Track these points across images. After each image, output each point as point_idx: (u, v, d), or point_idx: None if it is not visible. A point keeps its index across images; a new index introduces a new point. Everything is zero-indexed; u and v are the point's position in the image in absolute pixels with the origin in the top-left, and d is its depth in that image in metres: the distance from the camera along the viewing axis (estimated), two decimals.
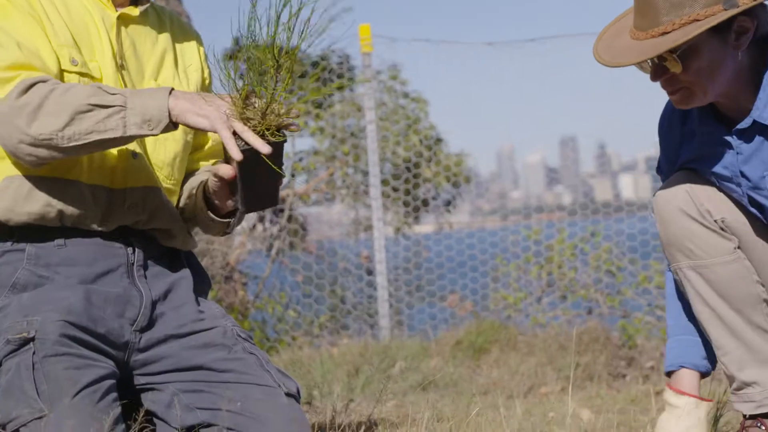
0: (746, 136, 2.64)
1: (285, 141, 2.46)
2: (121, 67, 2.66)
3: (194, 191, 2.79)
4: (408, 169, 7.78)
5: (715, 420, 3.09)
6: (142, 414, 2.60)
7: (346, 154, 7.90)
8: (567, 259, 7.45)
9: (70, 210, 2.60)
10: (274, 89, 2.41)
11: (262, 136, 2.43)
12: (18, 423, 2.42)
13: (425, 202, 8.26)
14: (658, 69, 2.62)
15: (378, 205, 7.23)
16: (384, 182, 7.60)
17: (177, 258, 2.79)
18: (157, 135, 2.50)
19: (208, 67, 2.90)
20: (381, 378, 5.10)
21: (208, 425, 2.63)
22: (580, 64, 7.82)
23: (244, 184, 2.50)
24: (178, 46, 2.83)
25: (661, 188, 2.83)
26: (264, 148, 2.41)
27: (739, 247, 2.76)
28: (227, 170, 2.55)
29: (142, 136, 2.50)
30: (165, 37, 2.79)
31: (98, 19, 2.65)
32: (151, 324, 2.68)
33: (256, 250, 8.02)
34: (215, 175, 2.63)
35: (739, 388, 2.80)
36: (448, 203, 8.77)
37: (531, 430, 3.18)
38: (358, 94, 8.15)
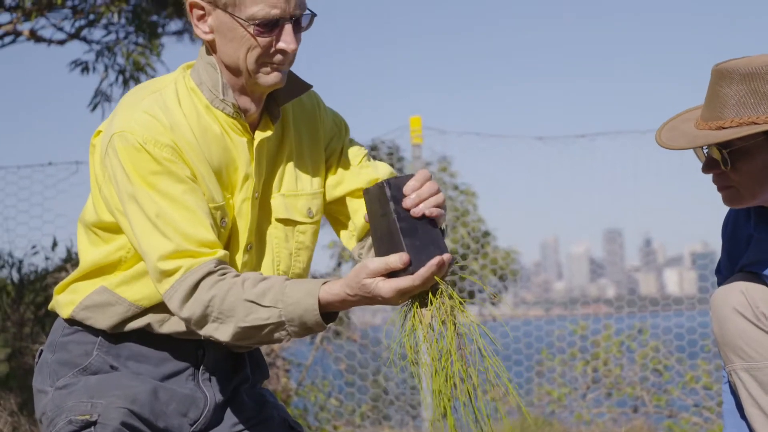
0: None
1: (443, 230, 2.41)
2: (253, 200, 2.60)
3: None
4: (455, 260, 7.80)
5: None
6: None
7: None
8: (613, 355, 7.40)
9: (162, 326, 2.63)
10: None
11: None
12: None
13: (471, 294, 8.25)
14: (709, 162, 2.65)
15: None
16: None
17: (241, 355, 2.77)
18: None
19: (335, 124, 2.75)
20: None
21: None
22: (628, 159, 7.86)
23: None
24: (301, 136, 2.71)
25: (719, 288, 2.83)
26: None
27: None
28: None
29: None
30: (287, 140, 2.68)
31: (237, 150, 2.57)
32: (209, 426, 2.68)
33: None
34: None
35: None
36: (493, 296, 8.76)
37: None
38: None
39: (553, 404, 7.33)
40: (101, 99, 8.50)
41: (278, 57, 2.48)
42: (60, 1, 8.00)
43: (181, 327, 2.61)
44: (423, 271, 2.27)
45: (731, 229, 2.88)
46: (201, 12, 2.48)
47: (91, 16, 8.55)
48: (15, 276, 7.28)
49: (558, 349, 7.65)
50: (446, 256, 2.30)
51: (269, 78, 2.50)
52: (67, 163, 7.53)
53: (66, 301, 2.66)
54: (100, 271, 2.62)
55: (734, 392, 2.87)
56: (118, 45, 8.52)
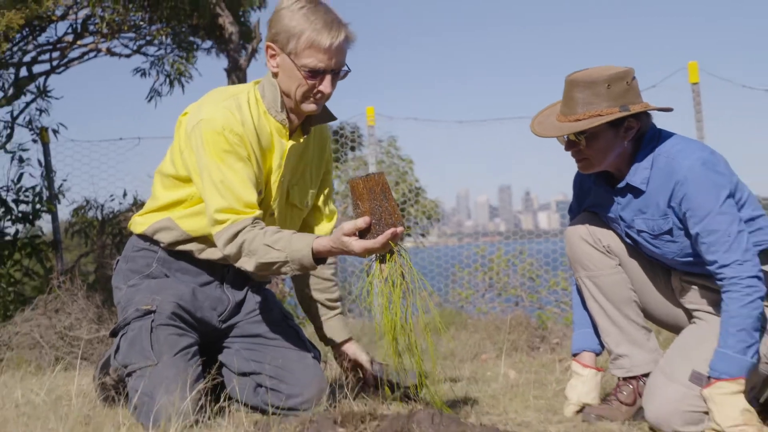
0: (622, 192, 2.65)
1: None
2: (280, 182, 2.58)
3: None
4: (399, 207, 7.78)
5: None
6: (215, 368, 2.64)
7: None
8: (503, 268, 7.45)
9: (201, 253, 2.63)
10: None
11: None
12: (135, 367, 2.46)
13: (408, 229, 8.26)
14: (570, 143, 2.63)
15: None
16: None
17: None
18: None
19: (330, 160, 2.77)
20: (374, 346, 5.08)
21: (258, 373, 2.65)
22: (515, 138, 7.88)
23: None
24: (314, 154, 2.70)
25: (571, 223, 2.84)
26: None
27: (620, 264, 2.77)
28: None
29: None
30: (308, 151, 2.67)
31: (277, 146, 2.56)
32: (230, 317, 2.71)
33: None
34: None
35: (615, 359, 2.79)
36: (423, 233, 8.78)
37: (476, 383, 3.17)
38: (364, 155, 8.17)
39: (462, 301, 7.37)
40: (154, 94, 8.45)
41: (318, 95, 2.47)
42: (126, 28, 7.94)
43: (214, 256, 2.62)
44: (381, 237, 2.24)
45: (579, 183, 2.88)
46: (273, 52, 2.47)
47: (148, 38, 8.45)
48: (99, 215, 7.25)
49: (466, 264, 7.68)
50: (399, 229, 2.27)
51: (309, 107, 2.50)
52: (132, 138, 7.46)
53: (141, 222, 2.67)
54: (169, 207, 2.62)
55: (580, 292, 2.89)
56: (165, 57, 8.44)
